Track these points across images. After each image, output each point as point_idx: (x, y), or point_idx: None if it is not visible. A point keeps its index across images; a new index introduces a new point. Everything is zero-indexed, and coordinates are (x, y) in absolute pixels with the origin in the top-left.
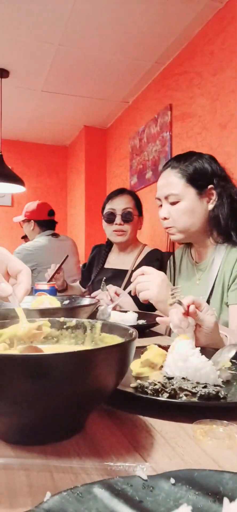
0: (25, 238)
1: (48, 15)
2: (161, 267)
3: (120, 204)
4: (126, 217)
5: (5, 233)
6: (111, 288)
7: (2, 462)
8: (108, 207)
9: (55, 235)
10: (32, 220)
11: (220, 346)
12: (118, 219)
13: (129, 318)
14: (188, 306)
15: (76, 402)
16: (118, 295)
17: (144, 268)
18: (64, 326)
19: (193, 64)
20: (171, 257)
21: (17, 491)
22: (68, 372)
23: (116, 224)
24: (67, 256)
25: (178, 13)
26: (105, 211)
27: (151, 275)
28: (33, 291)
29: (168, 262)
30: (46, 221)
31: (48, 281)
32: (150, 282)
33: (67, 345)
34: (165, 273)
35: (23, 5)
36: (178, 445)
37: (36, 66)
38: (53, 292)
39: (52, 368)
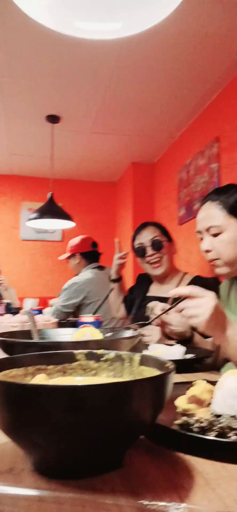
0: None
1: (95, 61)
2: None
3: (146, 236)
4: (156, 246)
5: (56, 267)
6: (158, 305)
7: (36, 494)
8: (136, 243)
9: (100, 267)
10: (77, 254)
11: None
12: (149, 251)
13: (176, 351)
14: None
15: (110, 435)
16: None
17: (193, 290)
18: (102, 359)
19: None
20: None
21: None
22: (101, 404)
23: (148, 256)
24: None
25: (223, 49)
26: (135, 248)
27: (201, 298)
28: (77, 324)
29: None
30: (90, 253)
31: (93, 313)
32: (199, 308)
33: (105, 378)
34: None
35: (71, 54)
36: (220, 487)
37: (85, 109)
38: (97, 324)
39: (84, 399)
